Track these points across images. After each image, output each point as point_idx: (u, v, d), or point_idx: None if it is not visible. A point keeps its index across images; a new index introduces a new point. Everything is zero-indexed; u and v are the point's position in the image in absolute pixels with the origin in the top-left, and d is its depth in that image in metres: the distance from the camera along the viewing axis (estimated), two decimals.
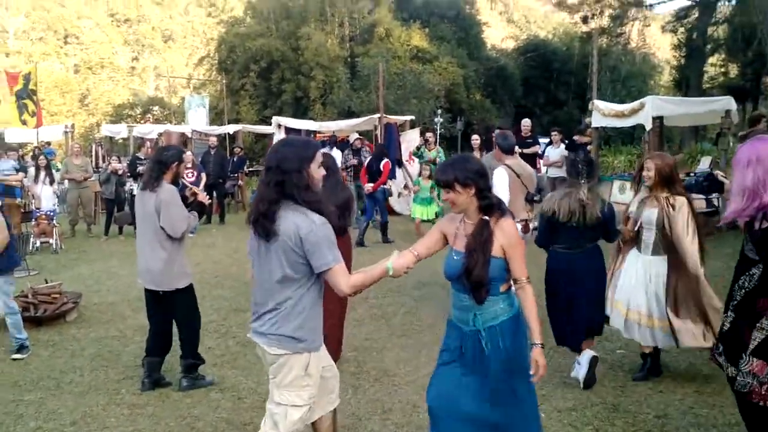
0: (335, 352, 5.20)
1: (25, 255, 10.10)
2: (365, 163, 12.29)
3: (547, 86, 34.28)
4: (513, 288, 3.23)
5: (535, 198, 6.36)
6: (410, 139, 14.76)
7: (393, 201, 14.47)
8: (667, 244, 4.80)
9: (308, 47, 27.31)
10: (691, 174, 5.57)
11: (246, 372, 5.51)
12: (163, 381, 5.22)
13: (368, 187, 11.33)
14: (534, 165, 13.63)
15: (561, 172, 12.94)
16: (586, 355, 4.90)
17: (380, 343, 6.22)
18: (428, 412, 3.36)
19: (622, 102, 10.96)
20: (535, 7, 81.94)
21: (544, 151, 14.38)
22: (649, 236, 4.91)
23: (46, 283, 7.69)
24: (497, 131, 6.88)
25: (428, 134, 13.18)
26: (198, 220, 5.21)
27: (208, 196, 5.46)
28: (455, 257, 3.21)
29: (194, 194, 5.26)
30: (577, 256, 4.88)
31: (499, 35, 51.30)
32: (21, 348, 6.15)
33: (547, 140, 15.17)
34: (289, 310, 3.01)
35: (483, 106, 30.94)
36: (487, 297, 3.12)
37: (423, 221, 11.13)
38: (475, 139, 11.52)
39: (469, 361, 3.21)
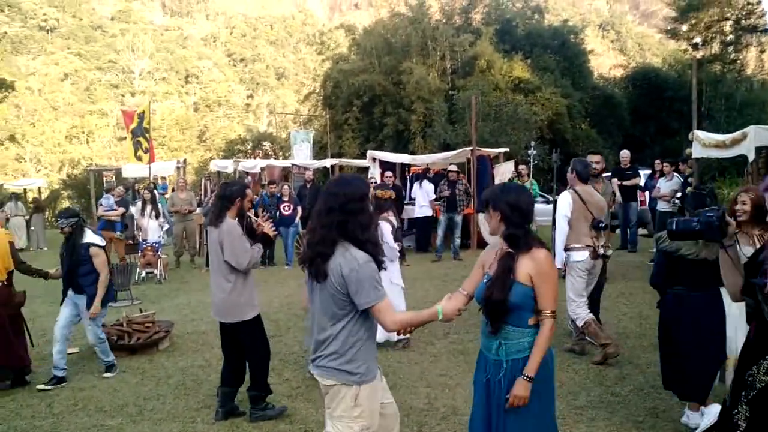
0: None
1: (130, 285, 10.70)
2: None
3: (658, 115, 33.10)
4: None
5: (601, 225, 6.16)
6: (503, 172, 14.62)
7: (485, 234, 14.33)
8: None
9: (409, 81, 27.67)
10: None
11: (318, 405, 5.57)
12: (236, 411, 5.36)
13: None
14: (635, 198, 13.19)
15: (670, 207, 12.39)
16: (716, 409, 4.37)
17: (455, 379, 6.13)
18: None
19: (737, 131, 10.48)
20: (649, 34, 79.93)
21: (646, 183, 13.87)
22: None
23: (141, 312, 8.09)
24: (575, 158, 6.78)
25: (521, 167, 13.04)
26: (262, 252, 5.35)
27: (274, 229, 5.60)
28: (485, 281, 3.23)
29: (260, 225, 5.42)
30: (700, 298, 4.52)
31: (607, 64, 50.22)
32: (110, 367, 6.66)
33: (648, 171, 14.63)
34: (339, 345, 3.09)
35: (588, 136, 30.22)
36: (503, 325, 3.11)
37: None
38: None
39: (492, 390, 3.19)
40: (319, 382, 3.18)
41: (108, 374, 6.60)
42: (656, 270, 4.83)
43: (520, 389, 3.04)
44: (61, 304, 6.56)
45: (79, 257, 6.32)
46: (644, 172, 14.54)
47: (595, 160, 6.89)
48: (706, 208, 4.09)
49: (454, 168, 13.75)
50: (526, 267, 3.08)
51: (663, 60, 42.71)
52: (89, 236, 6.49)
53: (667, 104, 32.62)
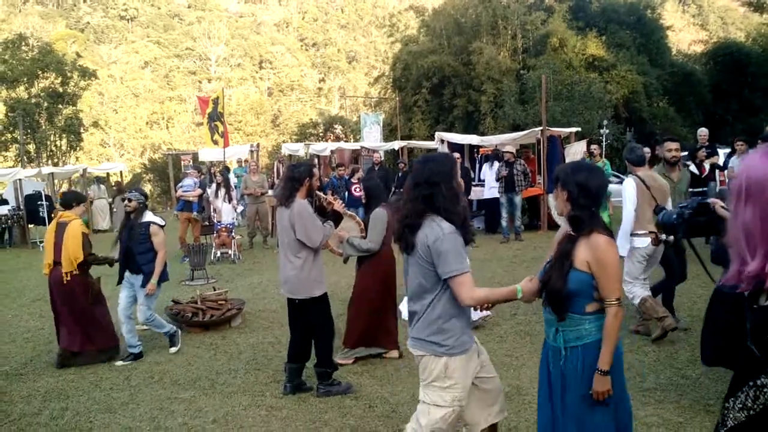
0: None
1: (205, 264, 11.04)
2: None
3: (741, 92, 31.73)
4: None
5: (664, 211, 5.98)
6: (575, 152, 14.31)
7: (556, 215, 14.11)
8: None
9: (479, 61, 27.37)
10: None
11: (383, 381, 5.66)
12: (304, 386, 5.50)
13: None
14: (713, 177, 12.74)
15: None
16: None
17: (520, 360, 6.11)
18: None
19: None
20: (732, 8, 76.34)
21: (725, 162, 13.37)
22: None
23: (214, 290, 8.36)
24: (628, 145, 6.61)
25: (593, 146, 12.74)
26: (334, 229, 5.45)
27: (343, 205, 5.66)
28: (546, 263, 3.17)
29: (330, 204, 5.50)
30: None
31: (687, 39, 48.40)
32: (171, 338, 6.90)
33: (728, 150, 14.08)
34: (427, 316, 3.18)
35: (666, 114, 29.25)
36: (567, 313, 2.99)
37: None
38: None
39: (554, 379, 3.12)
40: (413, 354, 3.29)
41: (173, 348, 6.85)
42: (717, 247, 4.63)
43: (598, 385, 2.92)
44: (118, 284, 6.75)
45: (138, 235, 6.51)
46: (723, 151, 14.03)
47: (673, 148, 6.63)
48: (696, 198, 3.76)
49: (509, 149, 13.69)
50: (584, 253, 2.94)
51: (746, 35, 40.83)
52: (149, 216, 6.69)
53: (750, 81, 31.27)
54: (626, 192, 6.14)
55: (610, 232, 3.07)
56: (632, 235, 6.13)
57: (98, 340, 6.63)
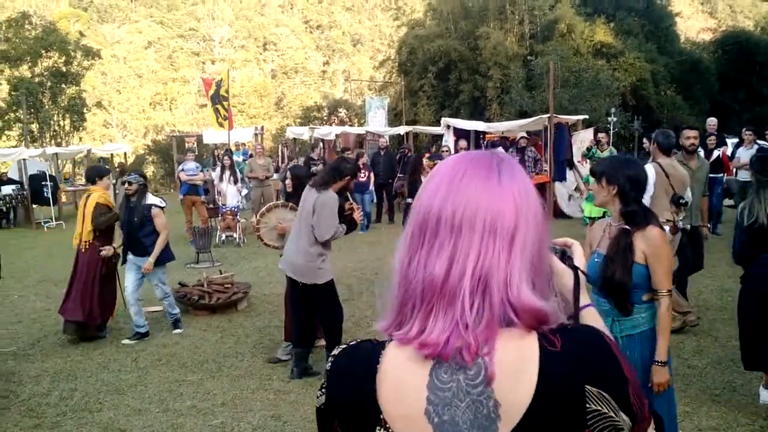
0: None
1: (210, 247, 11.05)
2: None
3: (748, 81, 31.49)
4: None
5: (682, 201, 5.95)
6: (582, 139, 14.24)
7: (563, 203, 14.09)
8: None
9: (486, 46, 27.13)
10: None
11: None
12: (310, 370, 5.52)
13: None
14: (721, 167, 12.69)
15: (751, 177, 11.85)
16: None
17: None
18: None
19: None
20: None
21: (733, 152, 13.31)
22: None
23: (221, 273, 8.37)
24: (658, 129, 6.57)
25: (600, 135, 12.64)
26: (344, 233, 5.43)
27: (362, 215, 5.66)
28: (596, 259, 3.17)
29: (351, 209, 5.51)
30: None
31: (696, 27, 48.10)
32: (176, 322, 7.02)
33: (736, 140, 14.02)
34: None
35: (674, 103, 29.03)
36: (633, 306, 3.06)
37: (593, 218, 10.75)
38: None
39: None
40: None
41: (177, 330, 6.96)
42: (738, 247, 4.64)
43: (658, 376, 3.02)
44: (122, 264, 6.82)
45: (142, 218, 6.56)
46: (731, 141, 13.97)
47: (691, 135, 6.61)
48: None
49: (524, 134, 13.71)
50: (640, 245, 3.01)
51: (755, 23, 40.54)
52: (150, 198, 6.76)
53: (758, 70, 31.03)
54: None
55: (659, 222, 3.15)
56: None
57: (100, 314, 6.73)
